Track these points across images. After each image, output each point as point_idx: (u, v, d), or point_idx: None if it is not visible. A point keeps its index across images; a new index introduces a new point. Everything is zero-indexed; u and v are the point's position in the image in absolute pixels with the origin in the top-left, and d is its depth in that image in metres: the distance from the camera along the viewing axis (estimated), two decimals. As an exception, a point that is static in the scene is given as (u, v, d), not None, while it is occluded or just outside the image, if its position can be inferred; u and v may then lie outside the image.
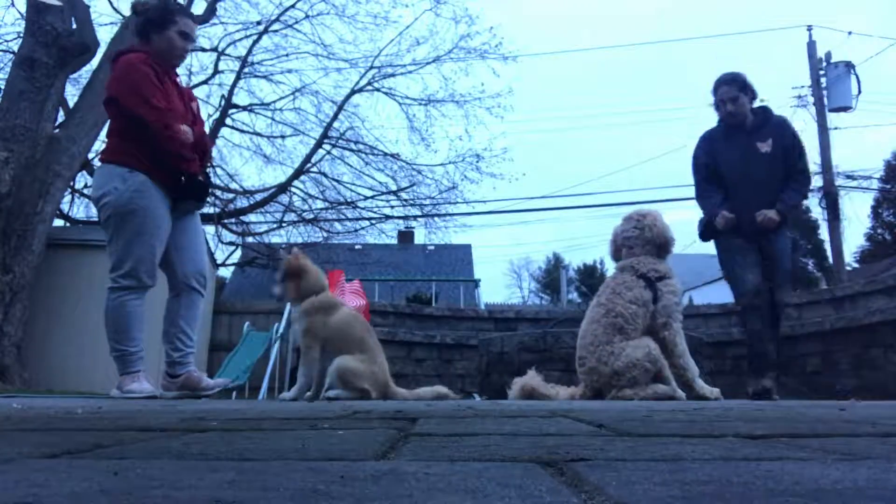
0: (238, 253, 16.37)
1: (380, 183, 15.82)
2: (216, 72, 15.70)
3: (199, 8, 13.51)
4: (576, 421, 1.68)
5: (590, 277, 44.49)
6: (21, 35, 9.32)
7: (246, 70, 15.50)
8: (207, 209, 15.08)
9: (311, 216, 15.72)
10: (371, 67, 15.62)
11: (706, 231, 4.54)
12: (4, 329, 7.32)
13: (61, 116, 9.46)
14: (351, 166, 15.77)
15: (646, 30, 76.20)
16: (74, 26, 8.46)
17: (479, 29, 17.86)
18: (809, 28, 15.22)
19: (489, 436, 1.32)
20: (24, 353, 7.53)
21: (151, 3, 3.74)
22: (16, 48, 10.17)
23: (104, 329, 3.55)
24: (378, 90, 15.79)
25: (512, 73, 35.92)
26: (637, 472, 0.87)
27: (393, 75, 15.77)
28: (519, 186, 27.65)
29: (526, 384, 3.64)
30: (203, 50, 15.37)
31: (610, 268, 4.31)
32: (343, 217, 15.95)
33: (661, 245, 3.81)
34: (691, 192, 4.79)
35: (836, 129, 15.17)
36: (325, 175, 15.71)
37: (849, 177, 16.12)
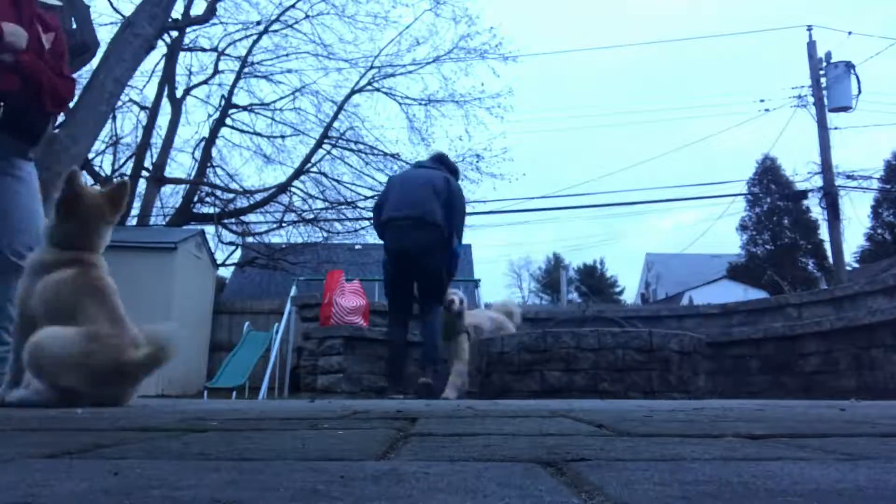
0: (238, 253, 16.39)
1: (380, 183, 15.82)
2: (216, 72, 15.72)
3: (199, 8, 13.51)
4: (576, 421, 1.68)
5: (590, 277, 44.52)
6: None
7: (246, 70, 15.52)
8: (207, 209, 15.13)
9: (311, 216, 15.73)
10: (371, 67, 15.64)
11: None
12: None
13: (61, 116, 9.46)
14: (351, 166, 15.80)
15: (646, 30, 76.27)
16: (74, 26, 8.46)
17: (478, 29, 17.89)
18: (809, 28, 15.23)
19: (489, 436, 1.32)
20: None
21: None
22: (16, 48, 10.15)
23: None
24: (378, 90, 15.82)
25: (512, 73, 35.92)
26: (637, 472, 0.87)
27: (393, 75, 15.79)
28: (519, 186, 27.67)
29: None
30: (203, 50, 15.39)
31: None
32: (343, 217, 15.97)
33: None
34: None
35: (836, 129, 15.19)
36: (325, 175, 15.73)
37: (849, 177, 16.13)
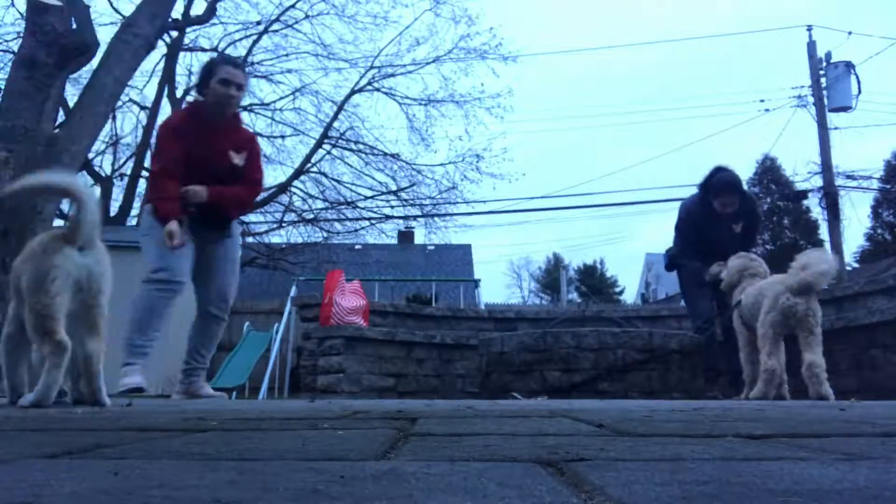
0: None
1: (380, 183, 15.85)
2: (216, 72, 15.67)
3: (199, 8, 13.51)
4: (576, 421, 1.68)
5: (590, 277, 44.48)
6: (21, 35, 9.33)
7: (246, 70, 15.52)
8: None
9: (311, 216, 15.74)
10: (371, 67, 15.64)
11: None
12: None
13: (61, 116, 9.47)
14: (351, 166, 15.80)
15: (646, 30, 76.27)
16: (74, 26, 8.46)
17: (478, 29, 17.89)
18: (809, 28, 15.22)
19: (489, 436, 1.32)
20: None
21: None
22: (16, 48, 10.18)
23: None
24: (378, 90, 15.82)
25: (512, 73, 35.90)
26: (637, 472, 0.87)
27: (393, 75, 15.79)
28: (519, 186, 27.67)
29: None
30: (203, 50, 15.38)
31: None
32: (343, 217, 15.99)
33: None
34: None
35: (836, 129, 15.17)
36: (325, 175, 15.74)
37: (849, 177, 16.10)
